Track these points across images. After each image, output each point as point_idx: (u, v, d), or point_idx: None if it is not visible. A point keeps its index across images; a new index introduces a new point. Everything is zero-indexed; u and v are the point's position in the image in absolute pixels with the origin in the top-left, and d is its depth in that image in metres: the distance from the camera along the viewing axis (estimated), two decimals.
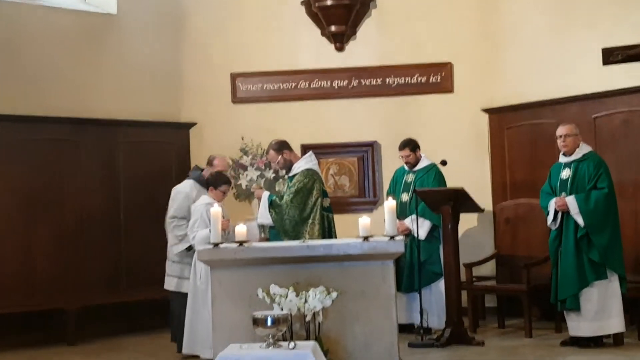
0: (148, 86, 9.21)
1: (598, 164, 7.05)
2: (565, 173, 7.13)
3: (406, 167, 8.19)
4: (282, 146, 7.42)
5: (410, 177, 8.12)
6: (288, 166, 7.42)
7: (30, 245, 8.39)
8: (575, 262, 6.93)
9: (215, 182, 7.17)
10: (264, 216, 7.28)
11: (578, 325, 6.98)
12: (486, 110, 9.18)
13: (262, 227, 7.43)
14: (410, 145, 8.10)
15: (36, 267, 8.40)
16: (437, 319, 7.74)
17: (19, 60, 8.42)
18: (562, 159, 7.21)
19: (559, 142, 7.16)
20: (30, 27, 8.51)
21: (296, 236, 7.09)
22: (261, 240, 7.33)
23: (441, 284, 7.77)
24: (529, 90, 8.81)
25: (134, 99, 9.06)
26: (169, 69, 9.42)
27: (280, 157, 7.40)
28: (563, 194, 7.05)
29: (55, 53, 8.63)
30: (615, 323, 6.95)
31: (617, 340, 7.06)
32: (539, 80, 8.74)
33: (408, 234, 7.83)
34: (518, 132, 8.94)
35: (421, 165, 8.12)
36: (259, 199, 7.39)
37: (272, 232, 7.33)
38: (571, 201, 6.96)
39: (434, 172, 7.99)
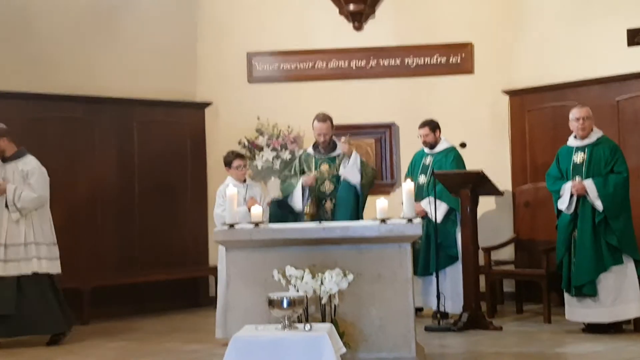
0: (163, 65, 9.13)
1: (614, 148, 6.94)
2: (579, 157, 6.98)
3: (424, 149, 8.07)
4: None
5: (428, 160, 8.01)
6: (330, 145, 7.32)
7: None
8: (593, 247, 6.81)
9: (225, 162, 7.15)
10: (353, 174, 7.19)
11: (595, 312, 6.87)
12: (507, 92, 9.03)
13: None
14: (431, 125, 7.99)
15: None
16: (451, 303, 7.65)
17: (33, 38, 8.35)
18: (574, 143, 7.06)
19: (577, 124, 6.98)
20: (45, 5, 8.43)
21: (364, 204, 7.24)
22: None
23: (457, 267, 7.70)
24: (551, 72, 8.65)
25: (149, 78, 8.99)
26: (185, 48, 9.34)
27: (332, 132, 7.34)
28: (578, 177, 6.92)
29: (69, 31, 8.57)
30: (633, 308, 6.85)
31: (637, 326, 6.97)
32: (561, 61, 8.58)
33: (424, 216, 7.72)
34: (539, 114, 8.79)
35: (440, 147, 8.00)
36: (350, 155, 7.26)
37: (346, 192, 7.22)
38: (590, 185, 6.82)
39: (453, 155, 7.87)
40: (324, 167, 7.33)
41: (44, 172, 7.27)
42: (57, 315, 7.14)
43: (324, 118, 7.30)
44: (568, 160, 7.05)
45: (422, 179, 7.94)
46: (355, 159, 7.22)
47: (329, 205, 7.23)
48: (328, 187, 7.33)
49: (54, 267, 7.19)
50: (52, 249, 7.21)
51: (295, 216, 7.30)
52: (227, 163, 7.13)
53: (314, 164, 7.39)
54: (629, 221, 6.86)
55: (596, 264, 6.79)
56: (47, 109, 8.40)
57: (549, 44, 8.71)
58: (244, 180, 7.15)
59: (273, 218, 7.11)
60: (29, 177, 7.16)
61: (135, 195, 8.89)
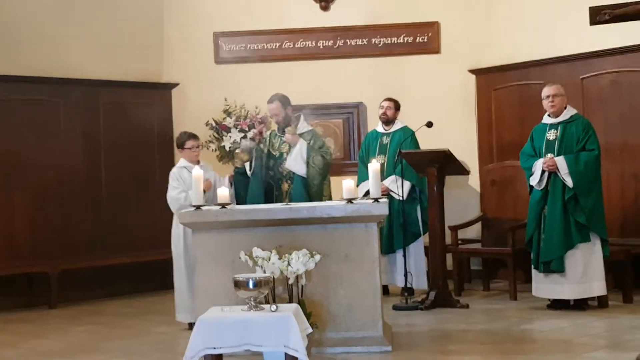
0: (129, 46, 9.05)
1: (587, 126, 6.98)
2: (552, 134, 7.04)
3: (380, 127, 8.12)
4: (287, 101, 7.13)
5: (385, 139, 8.07)
6: (286, 123, 7.14)
7: (11, 208, 8.28)
8: (562, 223, 6.87)
9: (178, 143, 6.93)
10: (298, 165, 6.95)
11: (562, 288, 6.96)
12: (473, 71, 9.07)
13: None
14: (396, 102, 8.12)
15: (17, 230, 8.30)
16: (415, 279, 7.76)
17: None
18: (547, 120, 7.11)
19: (547, 102, 7.06)
20: None
21: (320, 192, 6.97)
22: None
23: (419, 244, 7.88)
24: (516, 51, 8.70)
25: (115, 59, 8.90)
26: (151, 28, 9.26)
27: (284, 111, 7.12)
28: (550, 154, 6.98)
29: (34, 11, 8.44)
30: (597, 286, 6.93)
31: (601, 303, 7.07)
32: (526, 40, 8.64)
33: (386, 195, 7.72)
34: (505, 93, 8.85)
35: (397, 126, 8.09)
36: (294, 145, 6.97)
37: (297, 184, 7.01)
38: (561, 161, 6.88)
39: (411, 133, 7.91)
40: (284, 147, 7.12)
41: None
42: None
43: (271, 99, 7.12)
44: (541, 137, 7.09)
45: (381, 158, 7.96)
46: (299, 149, 6.96)
47: (285, 186, 7.05)
48: (285, 168, 7.08)
49: None
50: None
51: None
52: (180, 144, 6.89)
53: (278, 143, 7.27)
54: (599, 200, 6.92)
55: (564, 240, 6.86)
56: (12, 91, 8.29)
57: (514, 24, 8.76)
58: (198, 162, 6.87)
59: (240, 186, 7.05)
60: None
61: (102, 178, 8.84)
